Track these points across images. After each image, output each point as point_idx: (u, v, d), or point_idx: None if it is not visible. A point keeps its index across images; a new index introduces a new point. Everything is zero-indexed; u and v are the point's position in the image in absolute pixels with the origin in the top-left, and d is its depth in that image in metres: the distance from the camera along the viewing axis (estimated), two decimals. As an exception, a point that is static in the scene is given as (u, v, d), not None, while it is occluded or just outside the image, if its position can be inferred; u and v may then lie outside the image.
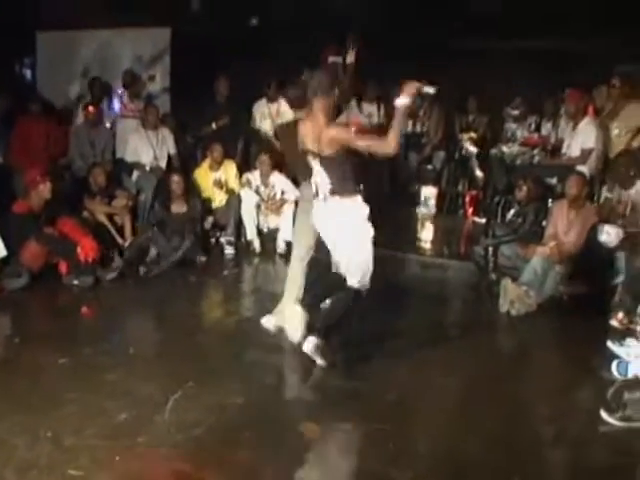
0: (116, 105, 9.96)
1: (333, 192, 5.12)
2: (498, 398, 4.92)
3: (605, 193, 7.18)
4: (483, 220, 8.85)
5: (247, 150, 9.77)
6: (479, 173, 9.38)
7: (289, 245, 7.40)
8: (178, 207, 8.26)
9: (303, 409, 4.80)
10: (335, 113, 5.36)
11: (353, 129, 5.25)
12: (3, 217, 7.16)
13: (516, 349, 6.25)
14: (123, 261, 7.60)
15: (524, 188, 7.51)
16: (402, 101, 4.91)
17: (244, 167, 9.30)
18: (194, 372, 5.05)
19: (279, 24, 10.40)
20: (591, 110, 8.27)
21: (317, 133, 5.07)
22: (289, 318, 5.85)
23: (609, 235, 6.52)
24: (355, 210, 5.14)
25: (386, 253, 7.93)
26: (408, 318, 6.53)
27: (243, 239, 8.76)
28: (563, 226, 7.00)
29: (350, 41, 6.29)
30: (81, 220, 7.71)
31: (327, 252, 5.60)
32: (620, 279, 6.43)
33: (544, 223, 7.30)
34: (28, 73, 11.75)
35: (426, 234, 9.43)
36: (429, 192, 9.92)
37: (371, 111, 10.58)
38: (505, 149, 9.35)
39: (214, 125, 9.43)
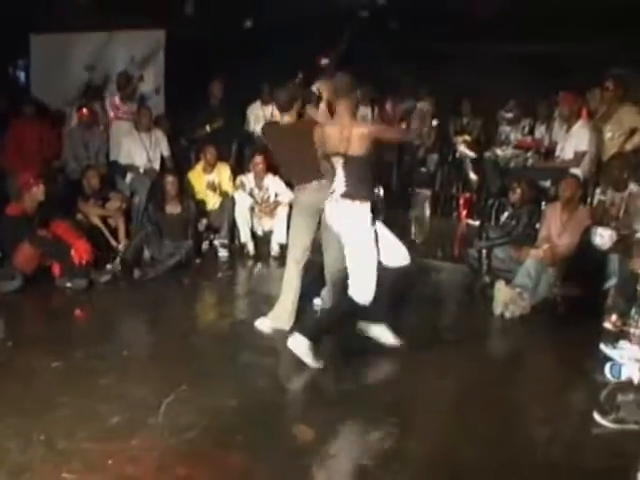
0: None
1: (345, 195, 5.20)
2: (492, 400, 4.93)
3: (598, 196, 7.18)
4: (477, 222, 8.85)
5: (241, 153, 9.78)
6: (473, 176, 9.38)
7: (283, 248, 7.40)
8: (172, 208, 8.25)
9: (297, 411, 4.80)
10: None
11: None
12: (-3, 220, 7.15)
13: (510, 351, 6.25)
14: (120, 263, 7.57)
15: (518, 191, 7.52)
16: None
17: (238, 170, 9.30)
18: (187, 375, 5.04)
19: (273, 27, 10.39)
20: (585, 113, 8.28)
21: (346, 134, 5.11)
22: (278, 314, 5.88)
23: (602, 237, 6.53)
24: (360, 216, 5.19)
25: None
26: (402, 320, 6.52)
27: (237, 242, 8.75)
28: (556, 228, 7.01)
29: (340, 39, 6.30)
30: (75, 223, 7.70)
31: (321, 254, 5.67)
32: (613, 281, 6.44)
33: (537, 226, 7.31)
34: (22, 75, 11.73)
35: (420, 236, 9.42)
36: (423, 195, 9.93)
37: (365, 113, 10.57)
38: (499, 152, 9.37)
39: (208, 128, 9.45)
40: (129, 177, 9.15)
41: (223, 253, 8.55)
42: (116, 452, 3.98)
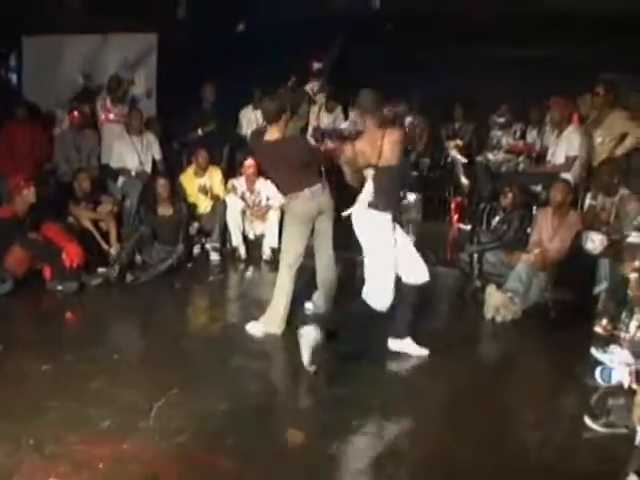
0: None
1: (372, 205, 5.27)
2: (484, 404, 4.93)
3: (589, 200, 7.20)
4: (468, 227, 8.85)
5: (233, 156, 9.76)
6: (464, 180, 9.39)
7: (274, 251, 7.39)
8: (164, 210, 8.23)
9: (287, 415, 4.78)
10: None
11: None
12: (-13, 222, 7.12)
13: (501, 355, 6.25)
14: (119, 265, 7.55)
15: (509, 195, 7.53)
16: None
17: (229, 173, 9.29)
18: (178, 379, 5.04)
19: (266, 30, 10.38)
20: (576, 118, 8.30)
21: (378, 145, 5.20)
22: (270, 318, 5.87)
23: (593, 242, 6.54)
24: (380, 225, 5.31)
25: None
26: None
27: (228, 245, 8.74)
28: (548, 233, 7.03)
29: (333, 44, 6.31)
30: (66, 225, 7.68)
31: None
32: (604, 286, 6.45)
33: (529, 230, 7.32)
34: (14, 77, 11.69)
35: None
36: (414, 199, 9.91)
37: (357, 118, 10.57)
38: (490, 156, 9.38)
39: (200, 131, 9.43)
40: (121, 180, 9.14)
41: (215, 257, 8.54)
42: (106, 456, 3.97)
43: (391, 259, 5.33)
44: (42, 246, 7.11)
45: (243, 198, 8.73)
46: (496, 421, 4.71)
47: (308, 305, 6.52)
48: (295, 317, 6.15)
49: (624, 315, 5.86)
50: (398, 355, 5.69)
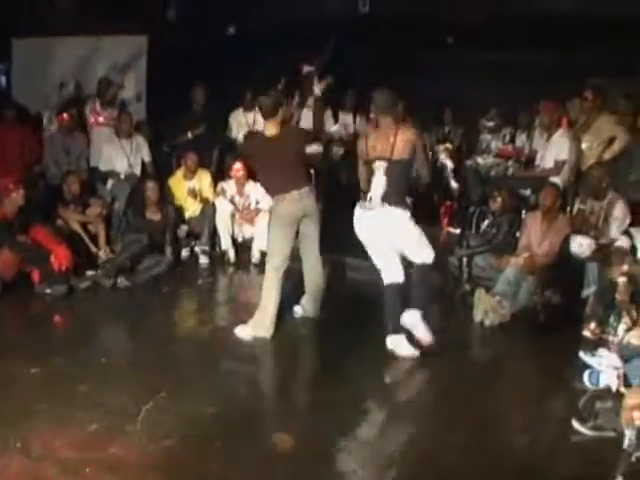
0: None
1: (385, 198, 5.55)
2: (472, 407, 4.94)
3: (578, 204, 7.22)
4: (458, 231, 8.86)
5: (222, 159, 9.74)
6: (454, 184, 9.39)
7: (264, 255, 7.37)
8: (152, 214, 8.21)
9: (275, 419, 4.79)
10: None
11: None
12: (-24, 225, 7.10)
13: (490, 359, 6.26)
14: (116, 268, 7.52)
15: (498, 199, 7.56)
16: None
17: (219, 176, 9.27)
18: (167, 382, 5.03)
19: (256, 33, 10.39)
20: (565, 122, 8.32)
21: (392, 140, 5.50)
22: (259, 322, 5.86)
23: (581, 246, 6.57)
24: (400, 217, 5.61)
25: (359, 262, 7.95)
26: (381, 327, 6.53)
27: (217, 249, 8.72)
28: (536, 237, 7.05)
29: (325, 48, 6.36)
30: (55, 228, 7.66)
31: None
32: (592, 290, 6.47)
33: (518, 234, 7.34)
34: (3, 80, 11.64)
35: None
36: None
37: (347, 121, 10.59)
38: (480, 160, 9.39)
39: (190, 134, 9.41)
40: (110, 183, 9.11)
41: (204, 260, 8.52)
42: (94, 460, 3.96)
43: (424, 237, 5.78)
44: (31, 249, 7.09)
45: (232, 201, 8.72)
46: (485, 424, 4.72)
47: (296, 308, 6.53)
48: (284, 321, 6.16)
49: (612, 319, 5.87)
50: (386, 358, 5.70)
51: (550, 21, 9.12)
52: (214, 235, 8.70)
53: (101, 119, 9.65)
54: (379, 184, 5.59)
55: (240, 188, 8.73)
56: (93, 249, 8.06)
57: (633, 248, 6.20)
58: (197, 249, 8.63)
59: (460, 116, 10.57)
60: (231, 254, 8.62)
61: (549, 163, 8.01)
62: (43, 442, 4.11)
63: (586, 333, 6.18)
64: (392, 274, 5.78)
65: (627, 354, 5.08)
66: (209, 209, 8.66)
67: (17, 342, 5.94)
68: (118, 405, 4.65)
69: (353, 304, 7.14)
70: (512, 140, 9.69)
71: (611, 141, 7.81)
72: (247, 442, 4.31)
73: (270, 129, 6.01)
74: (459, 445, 4.41)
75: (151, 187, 8.22)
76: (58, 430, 4.26)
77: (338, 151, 10.39)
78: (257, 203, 8.63)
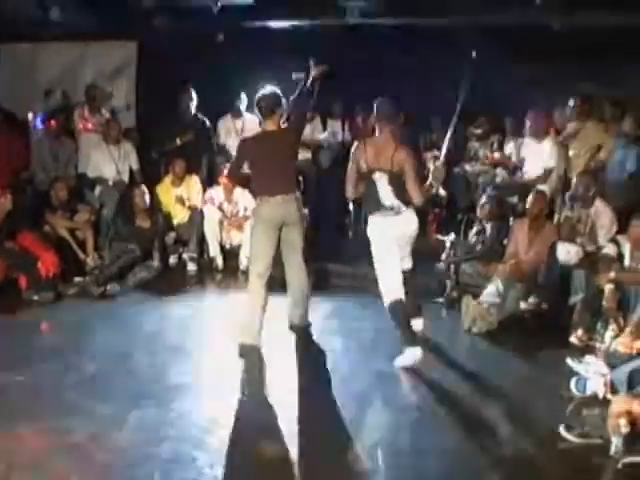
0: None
1: (402, 202, 5.75)
2: (459, 415, 4.95)
3: (565, 212, 7.26)
4: (446, 238, 8.88)
5: (211, 166, 9.73)
6: (442, 191, 9.41)
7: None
8: (142, 221, 8.20)
9: (264, 428, 4.76)
10: None
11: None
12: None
13: (476, 366, 6.26)
14: (104, 279, 7.50)
15: (486, 207, 7.58)
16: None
17: (207, 183, 9.26)
18: (155, 389, 5.03)
19: (245, 40, 10.39)
20: (552, 130, 8.37)
21: (390, 154, 5.69)
22: (247, 330, 5.84)
23: (569, 254, 6.60)
24: (415, 217, 5.91)
25: (347, 269, 7.96)
26: (370, 335, 6.54)
27: (206, 255, 8.71)
28: (524, 244, 7.07)
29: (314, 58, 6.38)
30: (42, 235, 7.64)
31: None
32: (579, 297, 6.49)
33: (505, 241, 7.36)
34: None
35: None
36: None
37: (336, 129, 10.61)
38: (468, 168, 9.43)
39: (178, 140, 9.39)
40: (98, 189, 9.09)
41: (192, 267, 8.51)
42: (80, 468, 3.95)
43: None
44: (18, 255, 7.08)
45: (221, 208, 8.71)
46: (471, 431, 4.72)
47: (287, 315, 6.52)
48: (271, 328, 6.15)
49: (599, 326, 5.91)
50: (370, 367, 5.71)
51: (538, 30, 9.17)
52: (202, 242, 8.68)
53: (89, 125, 9.63)
54: (388, 192, 5.76)
55: (228, 195, 8.72)
56: (81, 255, 8.03)
57: (620, 255, 6.24)
58: (185, 256, 8.62)
59: (448, 123, 10.57)
60: (219, 261, 8.61)
61: (536, 171, 8.04)
62: (29, 450, 4.09)
63: (573, 340, 6.20)
64: (396, 291, 5.79)
65: (614, 361, 5.11)
66: (197, 216, 8.65)
67: (3, 349, 5.92)
68: (106, 412, 4.65)
69: (339, 312, 7.14)
70: (500, 148, 9.72)
71: (598, 149, 7.86)
72: (234, 452, 4.29)
73: (270, 126, 6.03)
74: (445, 452, 4.41)
75: (140, 194, 8.21)
76: (44, 438, 4.24)
77: (326, 158, 10.41)
78: (245, 210, 8.61)
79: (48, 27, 9.99)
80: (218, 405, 4.93)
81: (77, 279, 7.52)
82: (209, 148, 9.74)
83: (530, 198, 7.21)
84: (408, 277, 6.03)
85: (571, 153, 8.02)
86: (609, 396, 4.78)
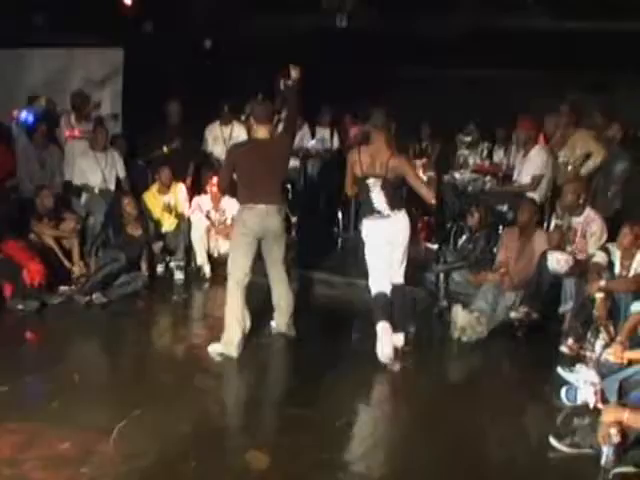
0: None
1: (392, 207, 5.98)
2: (448, 425, 4.94)
3: (555, 220, 7.26)
4: (435, 246, 8.88)
5: (198, 174, 9.70)
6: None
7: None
8: (132, 230, 8.16)
9: (251, 437, 4.74)
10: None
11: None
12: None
13: (466, 376, 6.27)
14: (89, 288, 7.45)
15: (476, 215, 7.58)
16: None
17: (195, 191, 9.23)
18: (141, 399, 4.99)
19: (233, 47, 10.40)
20: (542, 138, 8.39)
21: (384, 160, 5.89)
22: (227, 340, 5.80)
23: (559, 262, 6.58)
24: (406, 222, 6.10)
25: (336, 278, 7.95)
26: (358, 344, 6.53)
27: (193, 264, 8.66)
28: (514, 253, 7.06)
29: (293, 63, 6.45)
30: (28, 243, 7.58)
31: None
32: (569, 306, 6.49)
33: (495, 250, 7.36)
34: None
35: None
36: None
37: (324, 135, 10.62)
38: (457, 175, 9.43)
39: (165, 148, 9.36)
40: (84, 197, 9.05)
41: (179, 276, 8.47)
42: None
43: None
44: (3, 264, 7.03)
45: (208, 216, 8.68)
46: (461, 441, 4.71)
47: (273, 324, 6.51)
48: (259, 337, 6.14)
49: (590, 335, 5.90)
50: (362, 374, 5.70)
51: (527, 37, 9.21)
52: (190, 250, 8.65)
53: (76, 132, 9.59)
54: (380, 198, 5.98)
55: (216, 203, 8.69)
56: (67, 264, 7.98)
57: (610, 264, 6.23)
58: (172, 264, 8.57)
59: (438, 131, 10.61)
60: (207, 269, 8.57)
61: (526, 179, 8.05)
62: (13, 462, 4.05)
63: (564, 349, 6.20)
64: (382, 286, 6.05)
65: (604, 371, 5.11)
66: (184, 224, 8.62)
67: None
68: (91, 423, 4.61)
69: (329, 321, 7.13)
70: (489, 155, 9.74)
71: (587, 156, 7.88)
72: (222, 461, 4.28)
73: (263, 133, 6.03)
74: (436, 462, 4.41)
75: (131, 203, 8.16)
76: (28, 449, 4.20)
77: (315, 166, 10.41)
78: (233, 218, 8.58)
79: (33, 33, 9.98)
80: (203, 416, 4.91)
81: (62, 288, 7.47)
82: (196, 156, 9.71)
83: (519, 206, 7.21)
84: (398, 291, 6.18)
85: (560, 160, 8.04)
86: (600, 406, 4.77)
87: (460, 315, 6.60)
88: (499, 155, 9.63)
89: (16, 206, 8.60)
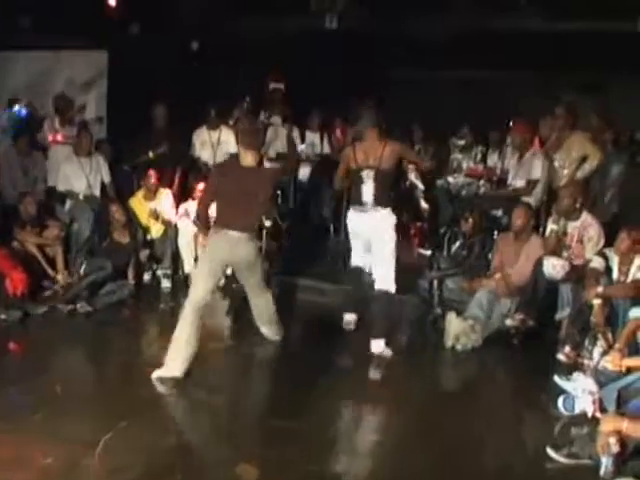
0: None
1: (375, 202, 6.39)
2: (441, 435, 4.92)
3: (551, 225, 7.25)
4: (428, 252, 8.87)
5: (185, 179, 9.67)
6: (424, 205, 9.41)
7: (228, 278, 7.32)
8: (120, 237, 8.13)
9: (239, 450, 4.71)
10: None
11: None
12: None
13: (461, 384, 6.27)
14: (73, 296, 7.41)
15: (470, 220, 7.57)
16: None
17: (182, 197, 9.19)
18: (127, 411, 4.95)
19: (220, 49, 10.39)
20: (537, 141, 8.39)
21: (379, 151, 6.38)
22: (170, 358, 5.68)
23: (555, 268, 6.58)
24: (389, 219, 6.46)
25: (326, 285, 7.94)
26: (350, 353, 6.52)
27: (180, 272, 8.63)
28: (509, 259, 7.06)
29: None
30: (10, 251, 7.54)
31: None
32: (566, 312, 6.48)
33: (490, 256, 7.35)
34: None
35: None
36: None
37: (314, 140, 10.60)
38: (451, 180, 9.42)
39: (151, 153, 9.32)
40: (68, 204, 9.01)
41: (166, 284, 8.44)
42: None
43: (394, 249, 6.50)
44: (-16, 273, 6.99)
45: (195, 223, 8.64)
46: (455, 452, 4.69)
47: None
48: (245, 346, 6.12)
49: (587, 342, 5.89)
50: (353, 382, 5.69)
51: (520, 38, 9.23)
52: (177, 258, 8.61)
53: (59, 137, 9.56)
54: (369, 190, 6.40)
55: (204, 209, 8.65)
56: (50, 273, 7.94)
57: (608, 269, 6.23)
58: (159, 272, 8.54)
59: (430, 134, 10.61)
60: (194, 277, 8.53)
61: (521, 183, 8.05)
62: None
63: (561, 357, 6.20)
64: (360, 261, 6.81)
65: (603, 379, 5.10)
66: (171, 231, 8.59)
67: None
68: (75, 436, 4.57)
69: (319, 329, 7.12)
70: (483, 159, 9.73)
71: (584, 159, 7.87)
72: (211, 474, 4.25)
73: (248, 159, 5.93)
74: (429, 472, 4.39)
75: (118, 210, 8.13)
76: (10, 464, 4.16)
77: (305, 170, 10.40)
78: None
79: (16, 35, 9.96)
80: (191, 428, 4.88)
81: (47, 293, 7.44)
82: (184, 161, 9.68)
83: (514, 211, 7.20)
84: (379, 298, 6.49)
85: (556, 164, 8.03)
86: (598, 415, 4.76)
87: (454, 323, 6.59)
88: (493, 159, 9.62)
89: (-2, 213, 8.58)
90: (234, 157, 6.47)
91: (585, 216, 6.95)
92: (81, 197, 8.92)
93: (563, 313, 6.51)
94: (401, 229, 8.90)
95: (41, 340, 6.72)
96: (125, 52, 10.34)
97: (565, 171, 7.93)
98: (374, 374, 6.15)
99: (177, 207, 8.89)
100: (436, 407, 5.45)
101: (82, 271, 7.79)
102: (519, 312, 6.69)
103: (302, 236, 9.43)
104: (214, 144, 9.52)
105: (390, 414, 5.39)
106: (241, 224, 5.79)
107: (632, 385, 4.76)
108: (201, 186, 8.47)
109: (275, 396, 5.51)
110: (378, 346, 6.30)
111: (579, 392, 5.18)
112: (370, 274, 6.69)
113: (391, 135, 6.71)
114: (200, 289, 5.79)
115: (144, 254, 8.46)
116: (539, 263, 6.67)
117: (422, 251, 9.19)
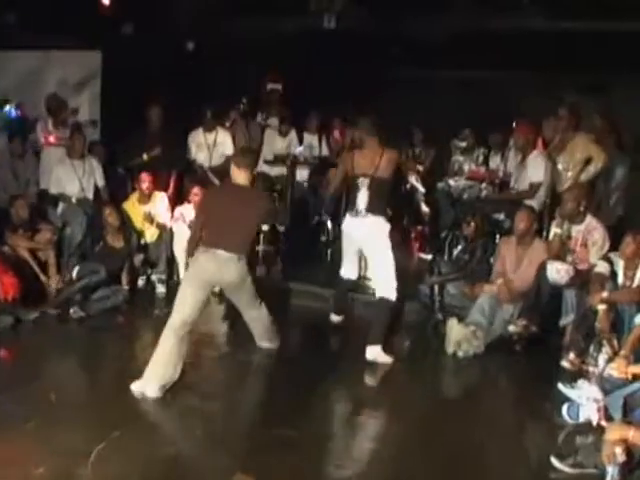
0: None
1: (368, 209, 6.54)
2: (442, 443, 4.91)
3: (554, 229, 7.23)
4: (429, 256, 8.85)
5: (181, 182, 9.65)
6: (425, 208, 9.40)
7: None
8: (114, 241, 8.11)
9: (236, 459, 4.69)
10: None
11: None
12: None
13: (463, 392, 6.25)
14: (65, 300, 7.39)
15: (472, 224, 7.56)
16: None
17: (177, 200, 9.17)
18: (120, 420, 4.94)
19: (216, 49, 10.38)
20: (540, 143, 8.38)
21: (377, 160, 6.54)
22: (147, 377, 5.57)
23: (559, 272, 6.56)
24: (381, 227, 6.58)
25: (323, 290, 7.93)
26: (349, 360, 6.50)
27: (175, 277, 8.60)
28: (511, 263, 7.05)
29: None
30: (1, 255, 7.52)
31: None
32: (570, 318, 6.47)
33: (492, 260, 7.33)
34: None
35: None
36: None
37: (312, 142, 10.59)
38: (452, 182, 9.40)
39: (145, 156, 9.31)
40: (61, 207, 8.99)
41: (161, 289, 8.42)
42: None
43: (391, 255, 6.57)
44: (-25, 277, 6.97)
45: (190, 227, 8.62)
46: (457, 461, 4.68)
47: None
48: (241, 354, 6.10)
49: (592, 348, 5.87)
50: (352, 389, 5.68)
51: (522, 38, 9.23)
52: (172, 262, 8.60)
53: (52, 139, 9.54)
54: (364, 197, 6.57)
55: (199, 213, 8.64)
56: (42, 277, 7.92)
57: (613, 274, 6.22)
58: (154, 277, 8.53)
59: (431, 136, 10.60)
60: (189, 282, 8.50)
61: (524, 185, 8.03)
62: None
63: (565, 364, 6.18)
64: (349, 272, 7.08)
65: (608, 387, 5.08)
66: (166, 235, 8.57)
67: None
68: (68, 445, 4.55)
69: (318, 335, 7.11)
70: (485, 161, 9.72)
71: (588, 161, 7.85)
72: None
73: (240, 178, 5.95)
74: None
75: (113, 214, 8.11)
76: (1, 473, 4.14)
77: (303, 173, 10.39)
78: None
79: (7, 34, 9.94)
80: (186, 437, 4.87)
81: (39, 298, 7.42)
82: (179, 163, 9.67)
83: (517, 214, 7.18)
84: (378, 304, 6.56)
85: (559, 167, 8.02)
86: (603, 423, 4.75)
87: (455, 329, 6.58)
88: (495, 161, 9.60)
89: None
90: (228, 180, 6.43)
91: (589, 219, 6.93)
92: (74, 200, 8.90)
93: (567, 319, 6.50)
94: (401, 233, 8.99)
95: (33, 347, 6.69)
96: (119, 52, 10.32)
97: (569, 173, 7.92)
98: (373, 380, 6.13)
99: (172, 210, 8.86)
100: (437, 414, 5.44)
101: (74, 275, 7.76)
102: (522, 318, 6.68)
103: (300, 240, 9.40)
104: (210, 146, 9.52)
105: (390, 421, 5.38)
106: (230, 244, 5.72)
107: (638, 392, 4.75)
108: (196, 190, 8.49)
109: (272, 403, 5.49)
110: (373, 353, 6.30)
111: (584, 400, 5.16)
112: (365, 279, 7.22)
113: (391, 138, 6.75)
114: (183, 313, 5.64)
115: (138, 259, 8.44)
116: (542, 268, 6.66)
117: (423, 255, 9.19)
